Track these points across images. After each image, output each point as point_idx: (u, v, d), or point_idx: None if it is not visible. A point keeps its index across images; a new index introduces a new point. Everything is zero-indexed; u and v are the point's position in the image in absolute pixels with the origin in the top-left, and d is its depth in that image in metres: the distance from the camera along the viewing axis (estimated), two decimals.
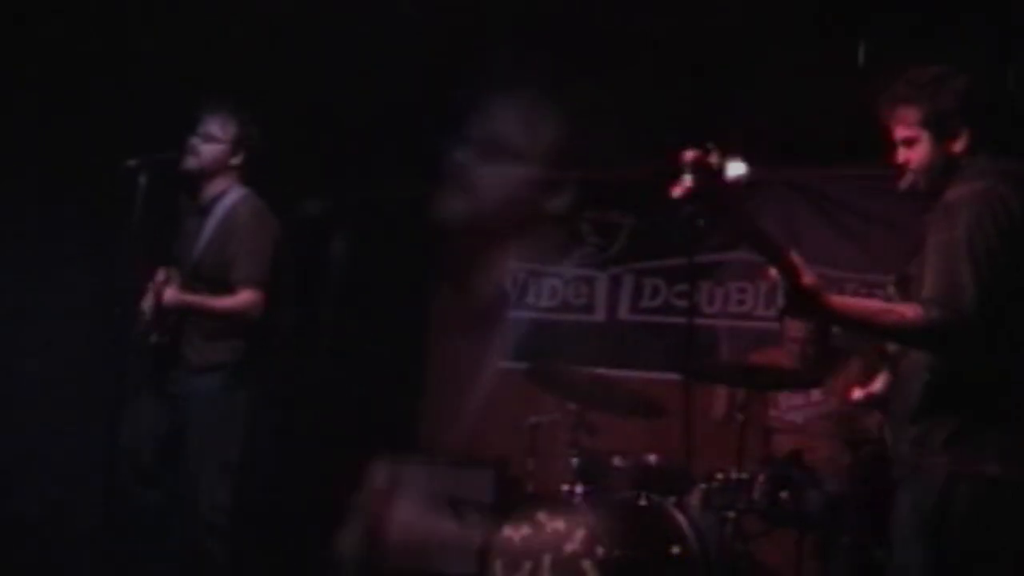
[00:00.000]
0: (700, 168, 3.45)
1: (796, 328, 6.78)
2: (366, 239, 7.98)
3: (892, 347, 3.94)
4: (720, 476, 5.97)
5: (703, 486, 6.04)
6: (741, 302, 8.01)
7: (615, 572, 5.46)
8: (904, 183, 3.90)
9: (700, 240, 7.36)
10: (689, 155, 3.47)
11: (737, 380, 6.32)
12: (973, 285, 3.46)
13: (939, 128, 3.78)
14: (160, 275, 5.53)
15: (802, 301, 3.56)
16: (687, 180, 3.45)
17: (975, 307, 3.44)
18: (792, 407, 6.82)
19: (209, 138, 5.70)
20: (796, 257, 3.54)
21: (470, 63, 7.31)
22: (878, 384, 4.09)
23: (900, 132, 3.88)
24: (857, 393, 4.66)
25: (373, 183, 7.91)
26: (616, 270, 8.39)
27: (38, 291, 6.48)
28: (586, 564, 5.52)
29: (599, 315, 8.45)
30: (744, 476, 5.89)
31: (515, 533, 5.77)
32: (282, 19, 6.49)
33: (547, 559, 5.65)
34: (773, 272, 3.55)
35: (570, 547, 5.61)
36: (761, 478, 5.94)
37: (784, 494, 5.92)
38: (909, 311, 3.56)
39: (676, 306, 8.08)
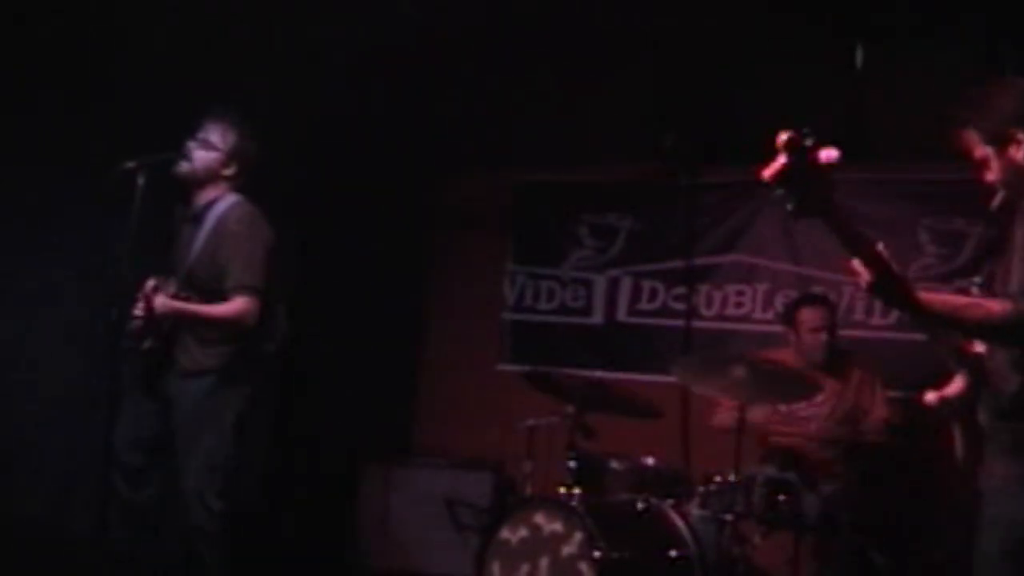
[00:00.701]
0: (794, 149, 3.40)
1: (813, 318, 6.79)
2: (361, 240, 7.97)
3: (976, 347, 3.81)
4: (718, 479, 5.97)
5: (701, 489, 6.04)
6: (739, 304, 8.01)
7: (612, 574, 5.46)
8: (996, 203, 3.79)
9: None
10: (783, 136, 3.40)
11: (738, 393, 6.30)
12: None
13: (998, 141, 3.69)
14: (149, 284, 5.52)
15: (892, 290, 3.47)
16: (780, 161, 3.38)
17: None
18: (797, 416, 6.82)
19: (206, 145, 5.68)
20: (882, 246, 3.45)
21: (469, 63, 7.32)
22: (954, 387, 3.89)
23: (974, 156, 3.77)
24: (931, 396, 4.22)
25: (365, 185, 7.90)
26: (614, 272, 8.39)
27: (34, 293, 6.47)
28: (583, 566, 5.52)
29: (597, 317, 8.45)
30: (742, 479, 5.89)
31: (513, 535, 5.77)
32: (280, 19, 6.49)
33: (544, 561, 5.65)
34: (855, 263, 3.44)
35: (567, 549, 5.60)
36: (759, 481, 5.94)
37: (782, 497, 5.92)
38: (996, 305, 3.49)
39: (674, 308, 8.08)
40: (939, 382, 3.92)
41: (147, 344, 5.58)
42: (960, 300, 3.67)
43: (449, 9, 6.66)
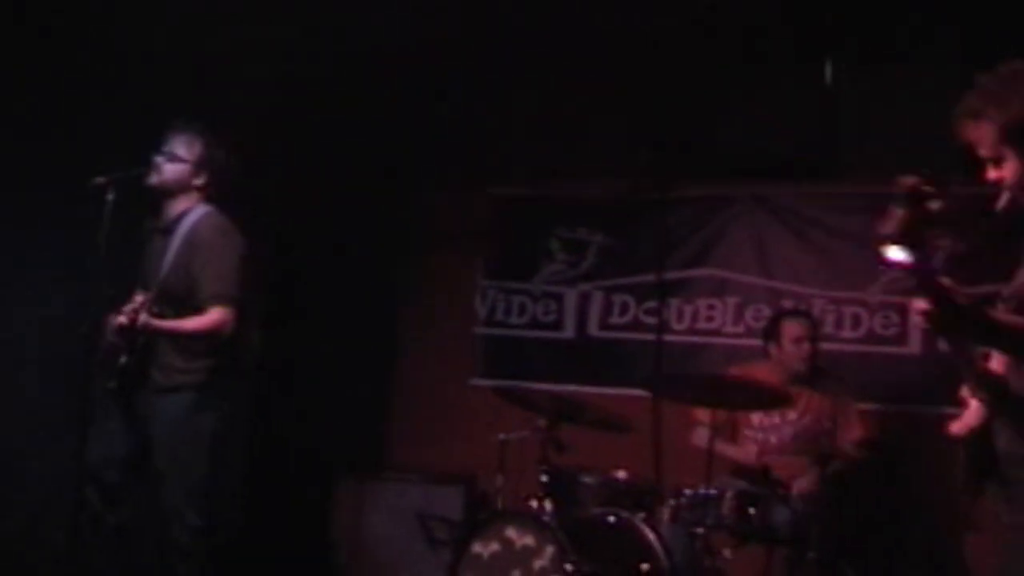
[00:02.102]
0: (916, 199, 3.12)
1: (796, 330, 6.83)
2: (334, 254, 7.97)
3: (995, 368, 3.54)
4: (689, 492, 5.99)
5: (672, 502, 6.05)
6: (710, 319, 8.04)
7: None
8: (1001, 204, 3.50)
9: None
10: (907, 182, 3.14)
11: (708, 399, 6.33)
12: None
13: (1017, 139, 3.41)
14: (139, 298, 5.49)
15: (955, 322, 3.23)
16: (898, 214, 3.14)
17: None
18: (766, 427, 6.85)
19: (173, 157, 5.68)
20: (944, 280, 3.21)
21: (445, 79, 7.34)
22: (973, 414, 3.57)
23: (983, 151, 3.50)
24: (957, 427, 3.78)
25: (339, 200, 7.90)
26: (585, 287, 8.40)
27: (6, 309, 6.45)
28: None
29: (568, 332, 8.45)
30: (713, 492, 5.91)
31: (485, 549, 5.77)
32: (257, 31, 6.48)
33: (516, 575, 5.65)
34: (919, 303, 3.21)
35: (539, 563, 5.61)
36: (729, 494, 5.95)
37: (752, 510, 5.93)
38: None
39: (645, 323, 8.09)
40: (956, 409, 3.66)
41: (122, 360, 5.56)
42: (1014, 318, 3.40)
43: (427, 24, 6.68)
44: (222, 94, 6.43)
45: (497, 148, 8.04)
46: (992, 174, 3.48)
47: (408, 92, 7.50)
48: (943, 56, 6.46)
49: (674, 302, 8.04)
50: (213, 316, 5.52)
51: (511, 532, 5.73)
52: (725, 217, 7.99)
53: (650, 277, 7.56)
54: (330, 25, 6.57)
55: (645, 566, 5.69)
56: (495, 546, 5.75)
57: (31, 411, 6.51)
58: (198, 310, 5.54)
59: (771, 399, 6.41)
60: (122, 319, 5.42)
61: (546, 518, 5.73)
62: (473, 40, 6.86)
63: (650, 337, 7.49)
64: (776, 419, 6.83)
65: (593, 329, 8.37)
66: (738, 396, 6.29)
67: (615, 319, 8.32)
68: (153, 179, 5.67)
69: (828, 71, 7.06)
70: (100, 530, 5.55)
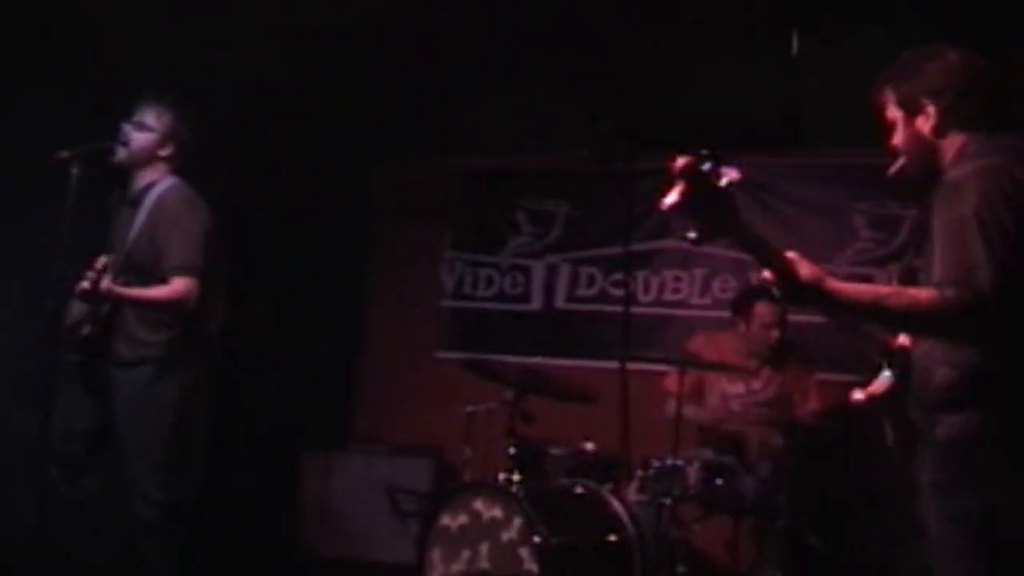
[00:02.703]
0: (692, 175, 3.32)
1: (766, 314, 6.84)
2: (300, 227, 7.94)
3: (900, 339, 3.70)
4: (656, 463, 6.02)
5: (639, 473, 6.10)
6: (676, 291, 8.06)
7: (552, 559, 5.48)
8: (893, 169, 3.72)
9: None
10: (680, 162, 3.35)
11: (675, 361, 6.37)
12: (987, 262, 3.23)
13: (907, 107, 3.64)
14: (100, 262, 5.44)
15: (805, 294, 3.35)
16: (678, 188, 3.32)
17: (991, 285, 3.22)
18: (730, 395, 6.88)
19: (141, 127, 5.65)
20: (792, 254, 3.33)
21: (409, 50, 7.31)
22: (881, 382, 3.73)
23: (886, 116, 3.72)
24: (858, 395, 4.12)
25: (305, 172, 7.88)
26: (552, 259, 8.42)
27: None
28: (523, 552, 5.55)
29: (535, 304, 8.47)
30: (679, 463, 5.94)
31: (453, 521, 5.79)
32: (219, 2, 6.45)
33: (485, 547, 5.67)
34: (767, 274, 3.33)
35: (507, 535, 5.63)
36: (696, 465, 5.99)
37: (719, 480, 5.97)
38: (923, 293, 3.34)
39: (612, 294, 8.11)
40: (868, 376, 3.79)
41: (85, 331, 5.53)
42: (884, 289, 3.59)
43: None
44: (188, 69, 6.38)
45: (463, 120, 8.01)
46: (891, 140, 3.69)
47: (374, 65, 7.46)
48: (905, 26, 6.48)
49: (641, 274, 8.06)
50: (177, 286, 5.50)
51: (479, 504, 5.75)
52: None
53: (617, 249, 7.57)
54: (294, 5, 6.54)
55: (612, 537, 5.72)
56: (463, 518, 5.77)
57: None
58: (163, 281, 5.52)
59: (733, 369, 6.47)
60: (85, 284, 5.36)
61: (514, 490, 5.74)
62: (438, 13, 6.84)
63: (617, 309, 7.51)
64: (741, 388, 6.86)
65: (560, 301, 8.39)
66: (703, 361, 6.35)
67: (582, 291, 8.34)
68: (121, 154, 5.64)
69: (795, 42, 7.06)
70: (62, 507, 5.53)
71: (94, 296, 5.37)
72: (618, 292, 7.89)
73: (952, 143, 3.56)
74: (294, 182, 7.81)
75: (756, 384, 6.85)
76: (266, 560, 7.59)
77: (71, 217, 5.22)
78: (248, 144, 7.33)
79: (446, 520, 5.81)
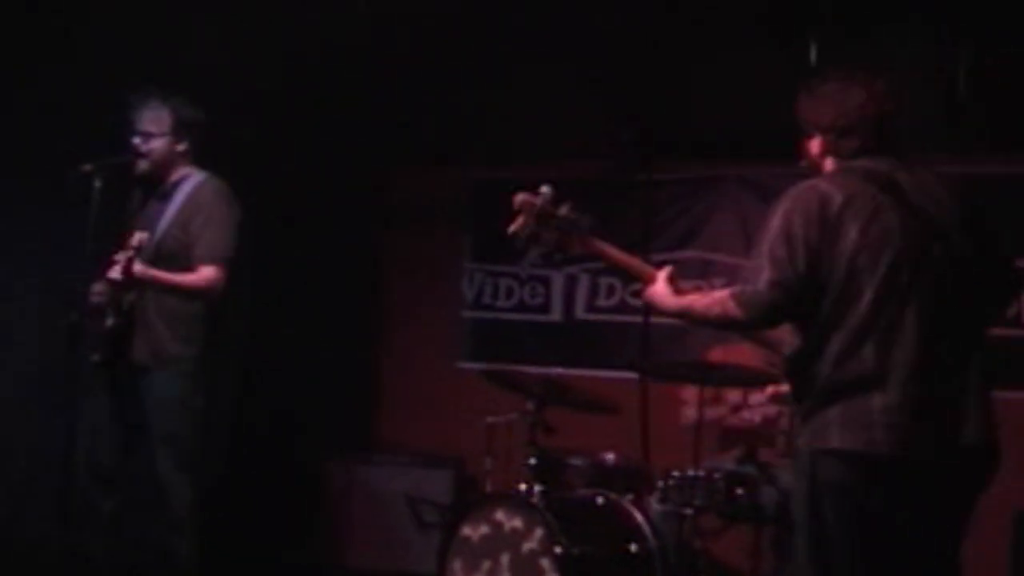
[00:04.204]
0: (528, 208, 4.19)
1: None
2: (319, 237, 7.96)
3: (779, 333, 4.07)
4: (676, 473, 6.01)
5: (660, 484, 6.08)
6: None
7: (573, 570, 5.49)
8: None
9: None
10: (518, 198, 4.20)
11: (695, 378, 6.37)
12: (771, 272, 3.71)
13: (805, 130, 4.08)
14: (136, 238, 5.42)
15: (651, 302, 4.17)
16: (518, 220, 4.20)
17: (767, 294, 3.71)
18: (752, 405, 6.87)
19: (148, 136, 5.69)
20: (643, 265, 4.21)
21: (428, 58, 7.32)
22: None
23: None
24: (770, 390, 5.25)
25: (323, 181, 7.90)
26: (572, 270, 8.41)
27: None
28: (544, 562, 5.55)
29: (555, 315, 8.47)
30: (700, 473, 5.94)
31: (474, 532, 5.79)
32: (233, 6, 6.46)
33: (505, 558, 5.67)
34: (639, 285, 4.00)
35: (528, 546, 5.63)
36: (717, 475, 5.98)
37: (740, 490, 5.96)
38: (719, 294, 3.98)
39: (632, 305, 8.10)
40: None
41: (109, 322, 5.55)
42: (705, 299, 4.11)
43: (410, 6, 6.66)
44: (200, 75, 6.40)
45: (482, 130, 8.02)
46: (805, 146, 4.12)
47: (393, 75, 7.48)
48: (918, 34, 6.49)
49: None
50: (206, 274, 5.55)
51: (500, 515, 5.76)
52: (710, 199, 8.00)
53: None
54: (313, 3, 6.55)
55: (633, 547, 5.72)
56: (484, 529, 5.77)
57: (16, 396, 6.51)
58: (191, 270, 5.56)
59: (755, 377, 6.44)
60: (116, 268, 5.35)
61: (535, 500, 5.75)
62: (458, 21, 6.85)
63: (637, 319, 7.51)
64: (761, 398, 6.85)
65: (580, 312, 8.39)
66: (723, 375, 6.34)
67: (602, 302, 8.33)
68: (143, 166, 5.68)
69: (813, 52, 7.05)
70: (94, 516, 5.57)
71: (125, 282, 5.37)
72: (638, 302, 7.88)
73: (827, 165, 4.03)
74: (313, 192, 7.83)
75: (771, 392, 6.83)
76: (288, 570, 7.62)
77: (94, 229, 5.26)
78: (264, 153, 7.35)
79: (467, 530, 5.82)
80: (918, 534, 3.72)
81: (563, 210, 4.19)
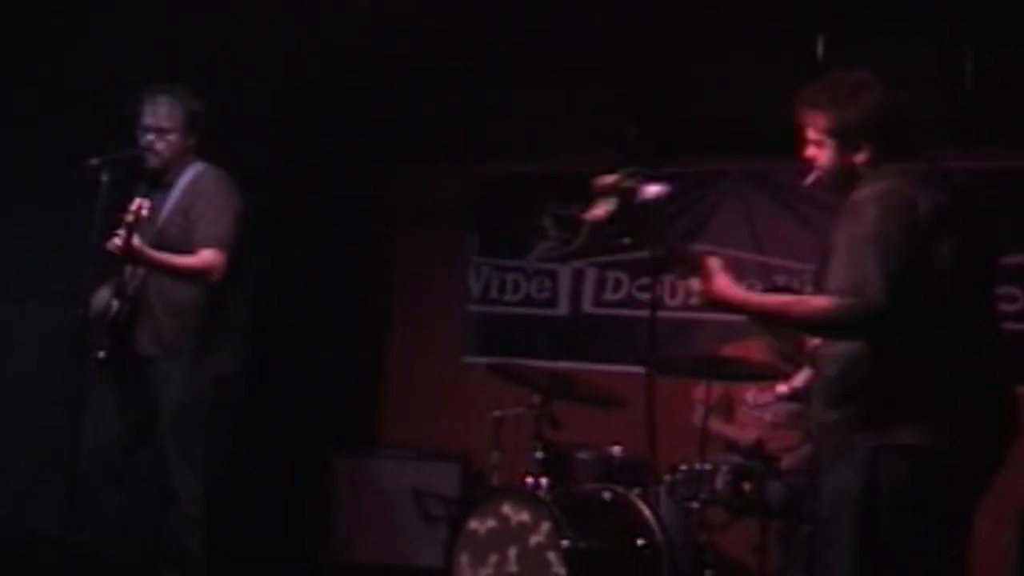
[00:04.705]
0: (614, 193, 4.01)
1: None
2: (325, 232, 7.97)
3: (813, 342, 4.15)
4: (683, 467, 6.02)
5: (667, 478, 6.09)
6: None
7: (580, 564, 5.49)
8: (809, 180, 4.16)
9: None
10: (601, 181, 4.06)
11: (702, 373, 6.37)
12: (878, 276, 3.68)
13: (843, 139, 4.01)
14: (136, 203, 5.39)
15: (716, 303, 4.05)
16: (603, 205, 4.02)
17: (880, 296, 3.67)
18: (761, 404, 6.86)
19: (161, 131, 5.70)
20: (712, 262, 4.00)
21: (435, 55, 7.32)
22: (800, 379, 4.44)
23: (809, 133, 4.10)
24: (781, 388, 5.22)
25: (329, 176, 7.90)
26: (579, 264, 8.42)
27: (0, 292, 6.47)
28: (551, 556, 5.55)
29: (562, 309, 8.47)
30: (707, 467, 5.94)
31: (481, 526, 5.80)
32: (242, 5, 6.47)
33: (513, 551, 5.68)
34: (693, 282, 3.93)
35: (535, 539, 5.63)
36: (724, 469, 5.99)
37: (747, 485, 5.96)
38: (819, 302, 3.84)
39: (639, 299, 8.11)
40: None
41: (115, 306, 5.55)
42: (787, 299, 4.13)
43: (418, 2, 6.67)
44: (209, 72, 6.40)
45: (489, 125, 8.02)
46: (809, 152, 4.11)
47: (401, 69, 7.48)
48: (922, 30, 6.49)
49: (667, 278, 8.05)
50: (205, 256, 5.56)
51: (507, 509, 5.76)
52: (717, 193, 8.00)
53: (643, 254, 7.55)
54: (318, 3, 6.56)
55: (640, 541, 5.72)
56: (491, 523, 5.78)
57: (22, 394, 6.52)
58: (191, 254, 5.57)
59: (764, 372, 6.45)
60: (117, 240, 5.33)
61: (542, 494, 5.75)
62: (465, 17, 6.85)
63: (644, 314, 7.51)
64: (771, 396, 6.84)
65: (587, 306, 8.40)
66: (731, 371, 6.34)
67: (609, 296, 8.34)
68: (155, 162, 5.69)
69: (820, 46, 7.05)
70: (101, 513, 5.58)
71: (125, 253, 5.35)
72: (645, 297, 7.89)
73: (864, 168, 4.00)
74: (320, 189, 7.83)
75: (784, 392, 6.82)
76: (295, 565, 7.63)
77: (101, 223, 5.27)
78: (271, 150, 7.35)
79: (474, 524, 5.82)
80: (958, 525, 3.91)
81: (650, 194, 4.11)
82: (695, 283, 3.90)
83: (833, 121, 4.01)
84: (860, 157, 3.99)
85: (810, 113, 4.07)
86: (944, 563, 3.88)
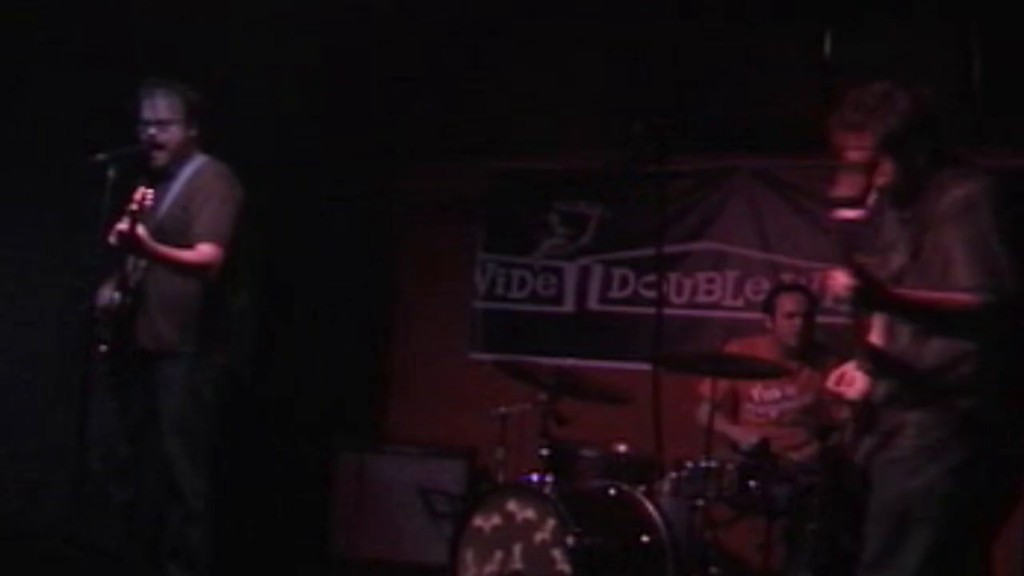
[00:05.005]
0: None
1: (787, 303, 6.83)
2: (332, 228, 7.97)
3: (878, 342, 4.13)
4: (689, 465, 6.01)
5: (672, 475, 6.08)
6: (709, 292, 8.05)
7: (585, 561, 5.49)
8: (870, 202, 4.00)
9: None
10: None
11: (708, 370, 6.36)
12: (1009, 269, 3.76)
13: (897, 147, 3.96)
14: (140, 193, 5.37)
15: (875, 299, 3.89)
16: (854, 180, 3.92)
17: (1015, 287, 3.76)
18: (766, 401, 6.86)
19: (163, 124, 5.69)
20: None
21: (441, 52, 7.32)
22: (861, 381, 4.22)
23: (858, 157, 4.02)
24: (851, 392, 4.57)
25: (336, 173, 7.91)
26: (585, 261, 8.41)
27: (3, 285, 6.46)
28: (556, 553, 5.55)
29: (568, 306, 8.47)
30: (713, 465, 5.93)
31: (486, 523, 5.80)
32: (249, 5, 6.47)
33: (518, 548, 5.68)
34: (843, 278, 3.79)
35: (540, 536, 5.63)
36: (730, 467, 5.98)
37: (752, 482, 5.96)
38: (964, 297, 3.80)
39: (645, 296, 8.11)
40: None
41: (117, 299, 5.55)
42: (934, 295, 3.90)
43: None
44: (211, 69, 6.40)
45: (496, 122, 8.03)
46: (878, 181, 4.00)
47: (407, 66, 7.47)
48: (932, 27, 6.48)
49: (673, 276, 8.06)
50: (204, 250, 5.54)
51: (512, 505, 5.76)
52: (724, 190, 8.00)
53: (649, 251, 7.56)
54: (321, 2, 6.56)
55: (645, 538, 5.72)
56: (496, 519, 5.78)
57: (27, 388, 6.52)
58: (190, 248, 5.56)
59: (769, 370, 6.44)
60: (122, 225, 5.32)
61: (547, 491, 5.75)
62: (472, 14, 6.85)
63: (650, 311, 7.50)
64: (776, 393, 6.84)
65: (593, 303, 8.39)
66: (737, 368, 6.34)
67: (615, 293, 8.33)
68: (160, 158, 5.68)
69: (827, 43, 7.04)
70: (108, 506, 5.59)
71: (127, 241, 5.33)
72: (651, 294, 7.88)
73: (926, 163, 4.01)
74: (327, 186, 7.84)
75: (791, 389, 6.82)
76: (300, 560, 7.63)
77: (107, 219, 5.26)
78: (277, 146, 7.36)
79: (479, 521, 5.82)
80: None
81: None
82: (840, 276, 3.81)
83: (880, 134, 3.95)
84: (920, 158, 3.98)
85: (853, 135, 4.01)
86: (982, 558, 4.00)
